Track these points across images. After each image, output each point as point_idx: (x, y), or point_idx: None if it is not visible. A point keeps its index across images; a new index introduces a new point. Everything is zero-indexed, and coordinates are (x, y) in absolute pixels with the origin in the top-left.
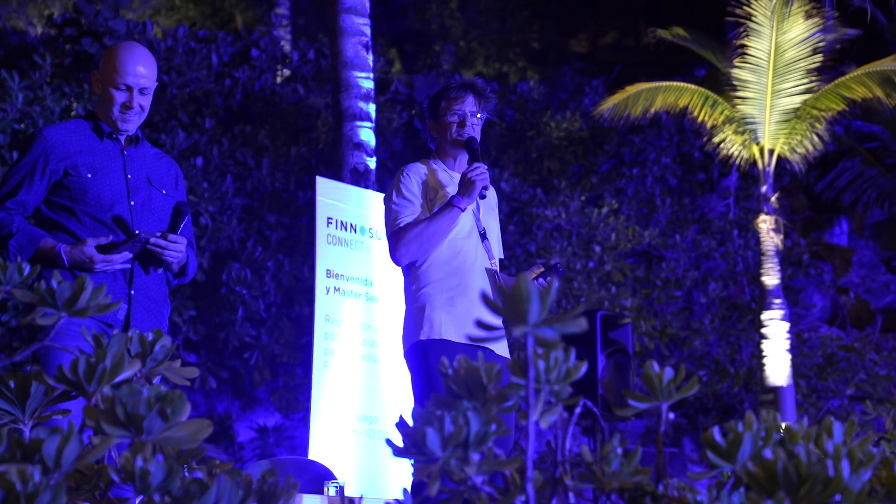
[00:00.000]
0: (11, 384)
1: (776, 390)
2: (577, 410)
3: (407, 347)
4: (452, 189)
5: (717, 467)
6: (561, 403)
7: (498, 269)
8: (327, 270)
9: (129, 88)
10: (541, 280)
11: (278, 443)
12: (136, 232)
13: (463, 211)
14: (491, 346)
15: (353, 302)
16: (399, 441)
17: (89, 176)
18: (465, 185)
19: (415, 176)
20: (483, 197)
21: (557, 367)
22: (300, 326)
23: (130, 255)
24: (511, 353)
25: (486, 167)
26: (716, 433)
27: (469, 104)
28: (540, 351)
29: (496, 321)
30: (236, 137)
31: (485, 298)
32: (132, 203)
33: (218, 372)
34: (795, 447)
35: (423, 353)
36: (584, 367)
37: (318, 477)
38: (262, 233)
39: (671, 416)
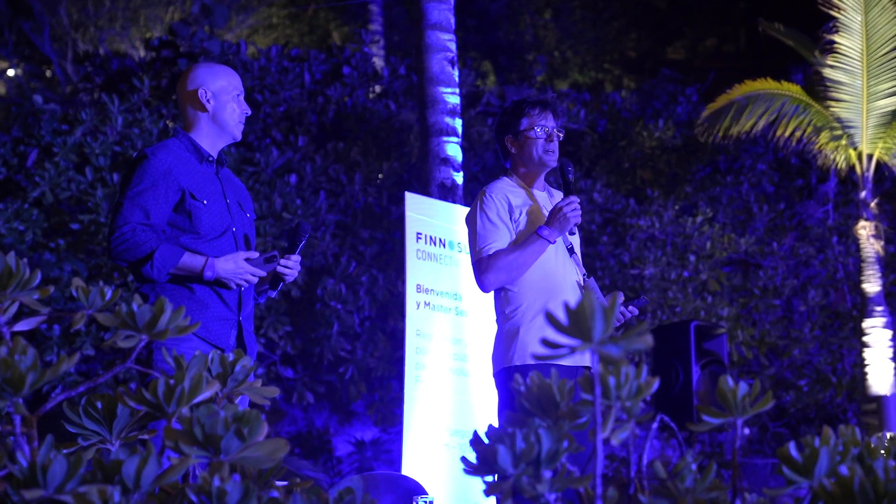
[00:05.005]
0: (99, 405)
1: (879, 399)
2: (654, 425)
3: (497, 370)
4: (535, 208)
5: (793, 483)
6: (633, 420)
7: (588, 282)
8: (417, 285)
9: (241, 94)
10: (622, 309)
11: (376, 457)
12: (274, 253)
13: (552, 244)
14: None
15: (443, 316)
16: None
17: (205, 202)
18: (559, 220)
19: (498, 198)
20: (573, 233)
21: (628, 383)
22: (394, 340)
23: (263, 274)
24: None
25: (579, 201)
26: (792, 448)
27: (551, 120)
28: (611, 367)
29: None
30: (329, 154)
31: (548, 317)
32: (234, 230)
33: (315, 387)
34: (875, 462)
35: (514, 379)
36: (655, 383)
37: (409, 492)
38: (355, 248)
39: (746, 430)
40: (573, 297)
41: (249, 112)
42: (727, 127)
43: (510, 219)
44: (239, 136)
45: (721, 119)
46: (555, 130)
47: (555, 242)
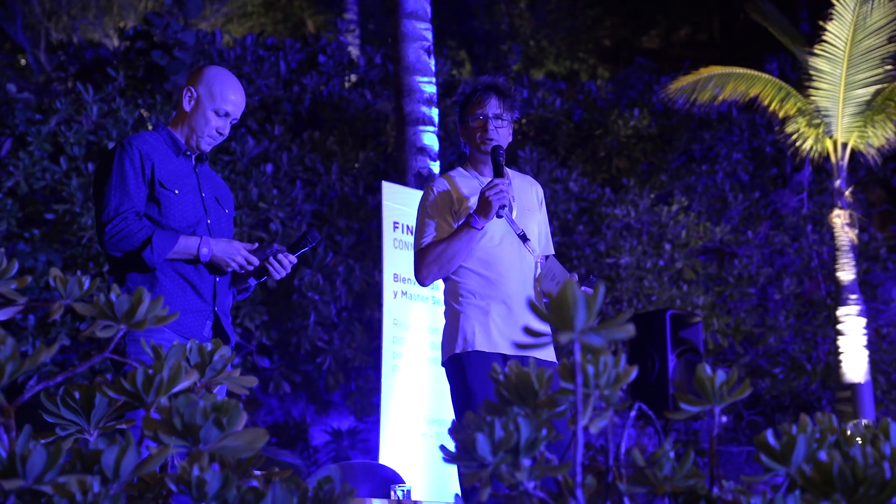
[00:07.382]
0: (77, 395)
1: (854, 387)
2: (632, 413)
3: (445, 359)
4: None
5: (771, 470)
6: (612, 408)
7: (540, 267)
8: (394, 274)
9: (227, 115)
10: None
11: (352, 446)
12: (274, 248)
13: (480, 230)
14: (534, 352)
15: (419, 305)
16: (452, 447)
17: (176, 192)
18: (482, 205)
19: (439, 191)
20: (500, 216)
21: (607, 371)
22: (372, 330)
23: (257, 263)
24: (558, 357)
25: (508, 182)
26: (769, 436)
27: (492, 107)
28: (589, 356)
29: (542, 327)
30: (305, 143)
31: (531, 306)
32: (209, 222)
33: (292, 377)
34: (852, 449)
35: (458, 366)
36: (634, 372)
37: (386, 481)
38: (332, 238)
39: (723, 418)
40: (519, 288)
41: (225, 134)
42: (702, 91)
43: (451, 210)
44: (205, 149)
45: (698, 89)
46: (491, 117)
47: (481, 228)
